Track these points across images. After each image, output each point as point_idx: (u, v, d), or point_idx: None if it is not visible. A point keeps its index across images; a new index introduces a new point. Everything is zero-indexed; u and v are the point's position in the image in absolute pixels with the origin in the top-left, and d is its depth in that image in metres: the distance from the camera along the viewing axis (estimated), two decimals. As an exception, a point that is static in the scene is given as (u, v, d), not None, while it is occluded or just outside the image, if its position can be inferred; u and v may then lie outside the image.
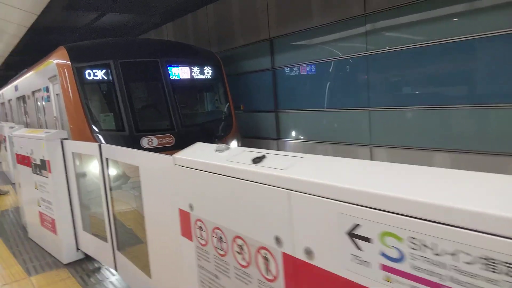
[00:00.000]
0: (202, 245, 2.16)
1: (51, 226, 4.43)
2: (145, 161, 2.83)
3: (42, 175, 4.40)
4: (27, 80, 9.89)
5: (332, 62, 6.79)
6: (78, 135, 6.32)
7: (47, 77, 7.30)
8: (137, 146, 6.36)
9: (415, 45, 5.45)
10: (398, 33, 5.71)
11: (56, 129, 7.26)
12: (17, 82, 11.55)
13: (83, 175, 4.25)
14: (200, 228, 2.16)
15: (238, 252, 1.88)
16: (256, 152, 1.99)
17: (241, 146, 7.78)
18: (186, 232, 2.31)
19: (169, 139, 6.64)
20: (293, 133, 7.84)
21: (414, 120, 5.65)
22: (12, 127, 7.09)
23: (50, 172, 4.20)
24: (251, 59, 8.56)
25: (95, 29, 12.61)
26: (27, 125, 10.48)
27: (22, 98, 10.79)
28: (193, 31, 10.40)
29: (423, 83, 5.50)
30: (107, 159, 3.48)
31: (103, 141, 6.26)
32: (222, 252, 2.00)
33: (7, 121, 14.18)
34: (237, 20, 8.71)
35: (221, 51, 8.96)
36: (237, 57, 8.91)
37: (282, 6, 7.54)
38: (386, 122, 6.10)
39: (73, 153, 4.14)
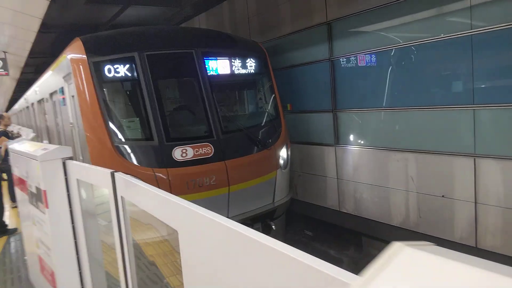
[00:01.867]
0: None
1: (51, 279, 3.16)
2: (192, 224, 1.45)
3: (38, 209, 3.14)
4: (45, 81, 8.85)
5: (414, 48, 5.23)
6: (96, 146, 5.08)
7: (62, 76, 6.13)
8: (168, 158, 5.05)
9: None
10: (523, 1, 4.10)
11: (73, 138, 6.08)
12: (37, 83, 10.59)
13: (97, 212, 2.94)
14: None
15: None
16: None
17: (290, 154, 6.34)
18: None
19: (207, 149, 5.28)
20: (357, 138, 6.32)
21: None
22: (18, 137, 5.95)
23: (47, 207, 2.92)
24: (301, 49, 7.10)
25: (117, 26, 11.53)
26: (48, 133, 9.45)
27: (42, 102, 9.78)
28: (229, 21, 9.05)
29: None
30: (123, 198, 2.13)
31: (127, 153, 4.98)
32: None
33: (31, 127, 13.34)
34: (284, 4, 7.26)
35: (264, 42, 7.54)
36: (283, 47, 7.47)
37: (343, -20, 6.04)
38: (499, 125, 4.50)
39: (78, 180, 2.83)
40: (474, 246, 4.90)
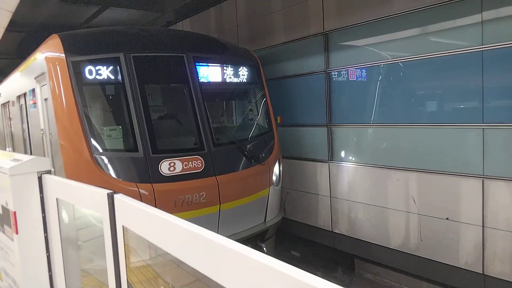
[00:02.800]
0: None
1: (18, 322, 2.56)
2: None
3: (4, 233, 2.55)
4: (11, 82, 8.07)
5: (417, 62, 5.01)
6: (71, 156, 4.49)
7: (33, 77, 5.48)
8: (154, 172, 4.52)
9: None
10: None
11: (44, 146, 5.42)
12: (1, 85, 9.72)
13: (80, 239, 2.40)
14: None
15: None
16: None
17: (282, 170, 5.95)
18: None
19: (197, 163, 4.79)
20: (354, 155, 6.01)
21: None
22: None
23: (17, 233, 2.35)
24: (294, 60, 6.78)
25: (94, 27, 10.87)
26: (12, 140, 8.58)
27: (7, 105, 8.92)
28: (216, 28, 8.64)
29: None
30: (125, 229, 1.64)
31: (107, 165, 4.42)
32: None
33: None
34: (277, 12, 6.95)
35: (254, 51, 7.18)
36: (274, 57, 7.13)
37: (342, -10, 5.79)
38: (510, 145, 4.30)
39: (57, 199, 2.29)
40: (481, 272, 4.64)
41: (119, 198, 1.67)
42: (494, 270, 4.54)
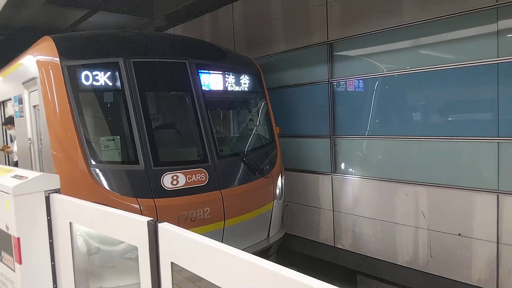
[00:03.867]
0: None
1: None
2: None
3: (2, 262, 2.19)
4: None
5: (426, 73, 4.90)
6: (65, 168, 4.11)
7: (21, 82, 5.07)
8: (156, 186, 4.20)
9: None
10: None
11: (31, 156, 5.00)
12: None
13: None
14: None
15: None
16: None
17: (285, 182, 5.71)
18: None
19: (201, 176, 4.50)
20: (359, 168, 5.83)
21: None
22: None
23: (20, 263, 2.01)
24: (296, 69, 6.60)
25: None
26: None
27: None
28: (211, 35, 8.39)
29: None
30: (173, 265, 1.35)
31: (106, 178, 4.07)
32: None
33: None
34: (278, 20, 6.77)
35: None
36: (274, 66, 6.93)
37: (348, -1, 5.66)
38: (527, 160, 4.21)
39: (71, 223, 1.97)
40: (495, 290, 4.51)
41: (164, 227, 1.38)
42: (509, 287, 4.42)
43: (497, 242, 4.45)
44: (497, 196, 4.40)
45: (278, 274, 1.06)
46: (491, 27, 4.33)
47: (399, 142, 5.27)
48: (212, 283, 1.24)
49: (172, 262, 1.34)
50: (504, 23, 4.24)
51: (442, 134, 4.82)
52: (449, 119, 4.84)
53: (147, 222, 1.43)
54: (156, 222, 1.41)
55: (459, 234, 4.75)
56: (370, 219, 5.68)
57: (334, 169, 6.13)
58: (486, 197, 4.49)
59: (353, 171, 5.91)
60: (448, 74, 4.72)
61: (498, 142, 4.38)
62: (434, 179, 4.91)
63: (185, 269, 1.36)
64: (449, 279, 4.89)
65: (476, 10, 4.39)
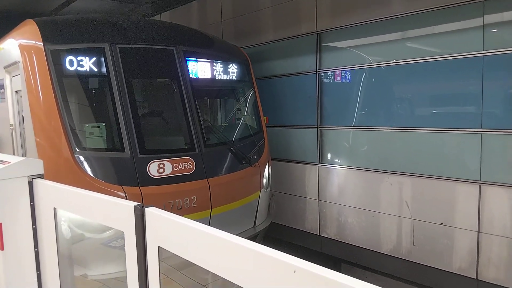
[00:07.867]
0: None
1: None
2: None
3: (-16, 248, 2.15)
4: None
5: (412, 65, 4.95)
6: (49, 155, 4.03)
7: (3, 66, 4.93)
8: (142, 174, 4.16)
9: None
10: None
11: (13, 143, 4.89)
12: None
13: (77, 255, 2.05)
14: None
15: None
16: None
17: (272, 172, 5.73)
18: None
19: (188, 164, 4.48)
20: (345, 158, 5.88)
21: None
22: None
23: (3, 249, 1.97)
24: (284, 59, 6.58)
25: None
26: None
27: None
28: (199, 23, 8.28)
29: None
30: (160, 250, 1.34)
31: (90, 165, 4.01)
32: None
33: None
34: (267, 9, 6.72)
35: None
36: (262, 56, 6.89)
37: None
38: (509, 151, 4.31)
39: (55, 209, 1.94)
40: (475, 277, 4.64)
41: (151, 211, 1.37)
42: (488, 276, 4.54)
43: (478, 231, 4.57)
44: (479, 186, 4.51)
45: (267, 256, 1.06)
46: (478, 21, 4.37)
47: (385, 133, 5.33)
48: (198, 269, 1.24)
49: (159, 247, 1.34)
50: (490, 18, 4.29)
51: (427, 125, 4.89)
52: (434, 111, 4.91)
53: (134, 206, 1.41)
54: (143, 206, 1.40)
55: (442, 224, 4.85)
56: (355, 209, 5.76)
57: (321, 159, 6.17)
58: (468, 187, 4.59)
59: (339, 161, 5.96)
60: (434, 67, 4.77)
61: (481, 134, 4.46)
62: (418, 170, 4.99)
63: (171, 257, 1.36)
64: (431, 267, 5.01)
65: (463, 4, 4.43)
